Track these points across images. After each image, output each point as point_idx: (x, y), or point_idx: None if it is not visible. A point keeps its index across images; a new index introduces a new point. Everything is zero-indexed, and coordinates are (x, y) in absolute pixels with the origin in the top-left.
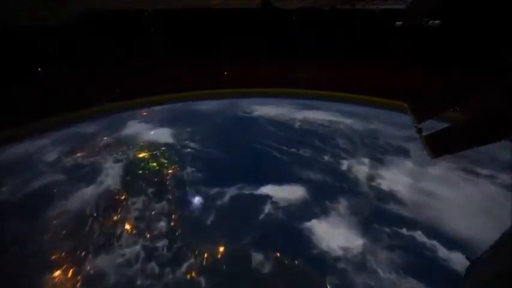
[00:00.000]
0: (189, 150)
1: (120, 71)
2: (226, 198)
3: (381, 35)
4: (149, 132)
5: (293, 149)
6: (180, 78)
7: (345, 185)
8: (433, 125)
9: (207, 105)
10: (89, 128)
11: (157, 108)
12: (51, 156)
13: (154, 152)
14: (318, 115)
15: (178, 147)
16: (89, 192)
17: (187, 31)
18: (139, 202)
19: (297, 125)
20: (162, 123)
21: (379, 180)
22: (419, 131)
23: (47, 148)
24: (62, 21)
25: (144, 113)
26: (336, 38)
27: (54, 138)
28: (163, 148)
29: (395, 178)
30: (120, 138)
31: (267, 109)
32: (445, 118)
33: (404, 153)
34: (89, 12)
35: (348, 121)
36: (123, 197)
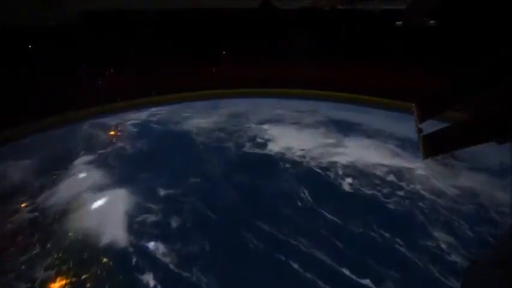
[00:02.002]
0: (151, 278)
1: (120, 71)
2: None
3: (381, 35)
4: (94, 198)
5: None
6: (180, 78)
7: None
8: (434, 125)
9: (200, 124)
10: (17, 170)
11: (134, 123)
12: None
13: (83, 278)
14: (366, 151)
15: (134, 262)
16: None
17: (187, 31)
18: None
19: (346, 182)
20: (122, 170)
21: None
22: (420, 131)
23: None
24: (62, 21)
25: (112, 133)
26: (336, 38)
27: None
28: (103, 261)
29: None
30: (44, 209)
31: (287, 137)
32: (446, 118)
33: None
34: (89, 12)
35: (419, 169)
36: None
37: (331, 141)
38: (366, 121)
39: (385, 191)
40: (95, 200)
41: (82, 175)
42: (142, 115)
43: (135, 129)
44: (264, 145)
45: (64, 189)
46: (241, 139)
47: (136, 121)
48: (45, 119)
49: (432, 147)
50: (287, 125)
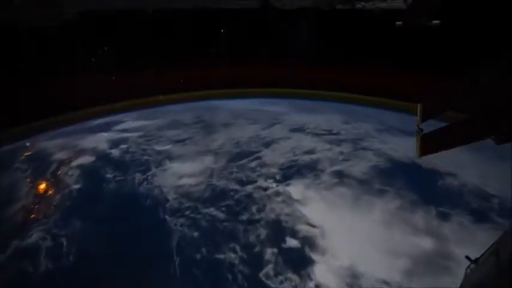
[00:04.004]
0: None
1: (120, 71)
2: None
3: (381, 35)
4: None
5: None
6: (180, 78)
7: None
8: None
9: (182, 178)
10: None
11: (83, 163)
12: None
13: None
14: None
15: None
16: None
17: (186, 31)
18: None
19: None
20: None
21: None
22: (421, 131)
23: None
24: (64, 21)
25: (40, 188)
26: (335, 38)
27: None
28: None
29: None
30: None
31: (344, 232)
32: (446, 118)
33: None
34: (91, 11)
35: None
36: None
37: (434, 245)
38: (453, 165)
39: None
40: None
41: None
42: (105, 138)
43: (77, 186)
44: (304, 262)
45: None
46: (256, 232)
47: (89, 158)
48: None
49: (428, 146)
50: (330, 185)
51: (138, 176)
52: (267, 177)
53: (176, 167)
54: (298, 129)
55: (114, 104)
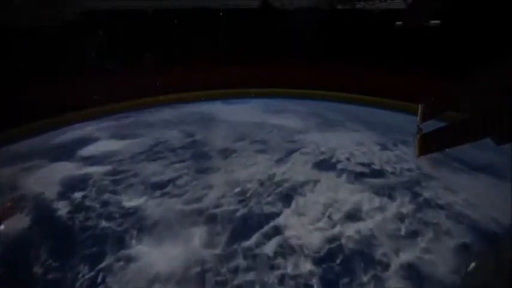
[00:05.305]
0: None
1: (120, 72)
2: None
3: (381, 35)
4: None
5: None
6: (180, 79)
7: None
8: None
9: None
10: None
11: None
12: None
13: None
14: None
15: None
16: None
17: (186, 31)
18: None
19: None
20: None
21: None
22: (420, 131)
23: None
24: (64, 21)
25: None
26: (335, 38)
27: None
28: None
29: None
30: None
31: None
32: (448, 118)
33: None
34: (92, 11)
35: None
36: None
37: None
38: None
39: None
40: None
41: None
42: (60, 175)
43: None
44: None
45: None
46: None
47: (25, 219)
48: None
49: (426, 146)
50: None
51: (83, 273)
52: (297, 284)
53: (146, 253)
54: (327, 164)
55: (112, 104)
